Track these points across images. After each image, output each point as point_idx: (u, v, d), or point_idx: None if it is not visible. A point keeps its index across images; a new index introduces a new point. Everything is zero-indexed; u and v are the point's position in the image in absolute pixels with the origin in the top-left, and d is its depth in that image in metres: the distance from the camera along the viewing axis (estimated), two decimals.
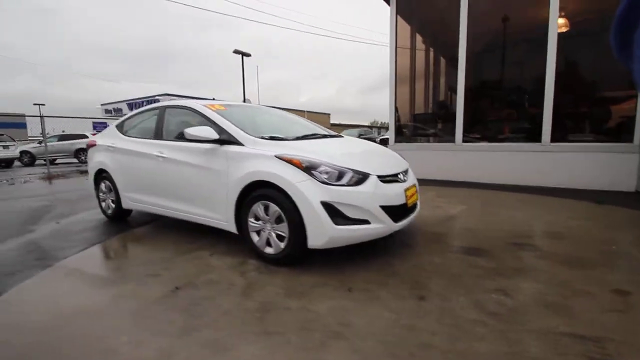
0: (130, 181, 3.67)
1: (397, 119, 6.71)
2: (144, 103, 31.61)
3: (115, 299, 2.13)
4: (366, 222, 2.37)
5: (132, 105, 32.63)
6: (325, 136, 3.32)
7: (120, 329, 1.79)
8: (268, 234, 2.56)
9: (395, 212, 2.52)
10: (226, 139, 2.79)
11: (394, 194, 2.54)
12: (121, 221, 4.05)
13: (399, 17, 6.41)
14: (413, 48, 7.11)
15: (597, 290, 2.06)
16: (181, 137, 3.28)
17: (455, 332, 1.68)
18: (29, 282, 2.44)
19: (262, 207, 2.53)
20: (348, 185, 2.36)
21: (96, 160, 4.09)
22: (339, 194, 2.32)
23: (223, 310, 1.95)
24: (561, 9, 4.93)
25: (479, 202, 4.40)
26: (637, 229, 3.30)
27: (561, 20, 5.01)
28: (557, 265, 2.43)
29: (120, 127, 3.99)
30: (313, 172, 2.36)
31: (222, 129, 2.83)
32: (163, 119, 3.46)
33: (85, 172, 6.01)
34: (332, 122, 53.79)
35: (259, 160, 2.55)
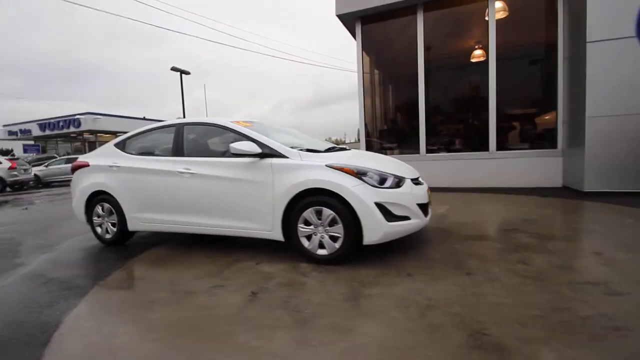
0: (141, 201, 3.54)
1: (367, 134, 7.37)
2: (61, 123, 28.10)
3: (200, 309, 2.16)
4: (407, 218, 2.78)
5: (44, 125, 28.73)
6: (342, 149, 3.69)
7: (237, 331, 1.88)
8: (320, 237, 2.80)
9: (424, 208, 2.98)
10: (268, 153, 2.98)
11: (422, 193, 3.01)
12: (119, 245, 3.82)
13: (363, 52, 7.16)
14: (373, 74, 7.95)
15: (583, 254, 2.75)
16: (212, 153, 3.38)
17: (511, 292, 2.16)
18: (83, 307, 2.30)
19: (313, 213, 2.78)
20: (391, 187, 2.76)
21: (90, 182, 3.82)
22: (387, 195, 2.70)
23: (317, 303, 2.15)
24: (499, 36, 6.12)
25: (457, 202, 5.15)
26: (581, 212, 4.29)
27: (503, 46, 6.21)
28: (546, 241, 3.12)
29: (121, 146, 3.82)
30: (363, 177, 2.71)
31: (262, 143, 3.02)
32: (182, 136, 3.47)
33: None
34: None
35: (310, 170, 2.81)
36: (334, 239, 2.76)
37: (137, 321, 2.07)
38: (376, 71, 8.12)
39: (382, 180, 2.75)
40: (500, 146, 6.33)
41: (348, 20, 7.13)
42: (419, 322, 1.86)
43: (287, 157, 2.94)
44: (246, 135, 3.14)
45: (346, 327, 1.86)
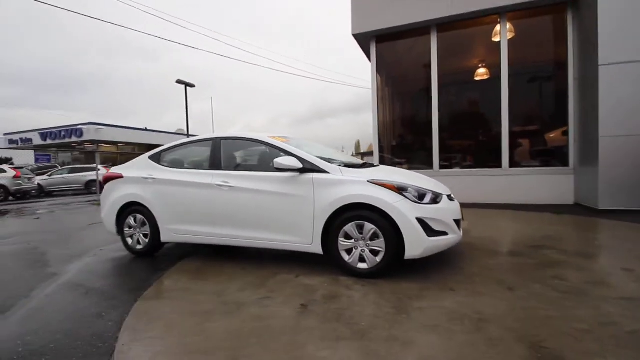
0: (176, 213, 3.61)
1: (380, 150, 7.52)
2: (62, 133, 28.11)
3: (256, 320, 2.21)
4: (446, 233, 2.87)
5: (45, 135, 28.75)
6: (372, 165, 3.80)
7: (302, 341, 1.94)
8: (361, 250, 2.87)
9: (458, 224, 3.07)
10: (308, 168, 3.08)
11: (457, 209, 3.11)
12: (149, 257, 3.85)
13: (377, 70, 7.39)
14: (385, 91, 8.17)
15: (613, 270, 2.85)
16: (250, 167, 3.48)
17: (557, 306, 2.24)
18: (135, 317, 2.34)
19: (355, 227, 2.86)
20: (430, 203, 2.86)
21: (124, 193, 3.89)
22: (427, 211, 2.80)
23: (369, 315, 2.21)
24: (511, 57, 6.36)
25: (473, 218, 5.25)
26: (600, 229, 4.40)
27: (515, 66, 6.44)
28: (574, 257, 3.22)
29: (156, 159, 3.91)
30: (404, 193, 2.81)
31: (303, 159, 3.12)
32: (219, 150, 3.56)
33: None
34: None
35: (353, 185, 2.90)
36: (374, 253, 2.84)
37: (200, 331, 2.12)
38: (388, 88, 8.33)
39: (421, 196, 2.85)
40: (513, 163, 6.50)
41: (363, 39, 7.37)
42: (478, 335, 1.93)
43: (328, 173, 3.04)
44: (285, 151, 3.24)
45: (406, 339, 1.92)
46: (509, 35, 6.41)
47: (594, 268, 2.95)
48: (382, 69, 7.52)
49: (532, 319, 2.10)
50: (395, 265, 2.85)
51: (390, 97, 8.12)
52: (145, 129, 33.41)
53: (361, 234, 2.86)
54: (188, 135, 25.01)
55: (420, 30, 6.89)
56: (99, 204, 10.16)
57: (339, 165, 3.13)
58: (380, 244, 2.80)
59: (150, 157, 3.96)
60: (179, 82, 22.87)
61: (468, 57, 7.15)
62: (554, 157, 6.46)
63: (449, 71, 7.03)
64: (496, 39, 6.55)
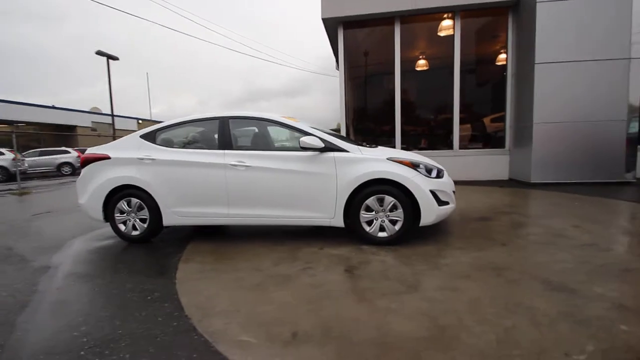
0: (182, 195, 3.47)
1: (347, 133, 7.88)
2: None
3: (315, 287, 2.39)
4: (448, 203, 3.34)
5: None
6: (376, 145, 4.09)
7: (370, 298, 2.19)
8: (381, 221, 3.19)
9: (454, 195, 3.59)
10: (327, 147, 3.25)
11: (452, 183, 3.62)
12: (144, 243, 3.65)
13: (344, 59, 7.64)
14: (352, 79, 8.49)
15: (566, 226, 3.65)
16: (264, 146, 3.52)
17: (542, 253, 2.86)
18: (190, 295, 2.31)
19: (376, 200, 3.16)
20: (437, 177, 3.29)
21: (114, 175, 3.57)
22: (437, 184, 3.22)
23: (411, 273, 2.56)
24: (462, 50, 7.18)
25: None
26: (540, 197, 5.42)
27: (466, 59, 7.27)
28: (532, 219, 4.01)
29: (150, 138, 3.65)
30: (418, 169, 3.19)
31: (323, 138, 3.27)
32: (228, 130, 3.49)
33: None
34: None
35: (374, 162, 3.18)
36: (393, 222, 3.19)
37: (268, 301, 2.22)
38: (351, 73, 8.66)
39: (429, 171, 3.27)
40: (461, 145, 7.45)
41: (331, 24, 7.53)
42: (502, 279, 2.42)
43: (348, 152, 3.26)
44: (303, 130, 3.35)
45: (452, 287, 2.31)
46: (448, 32, 7.20)
47: (551, 225, 3.74)
48: (348, 55, 7.79)
49: (531, 264, 2.67)
50: (409, 232, 3.24)
51: (354, 82, 8.48)
52: (53, 107, 28.74)
53: (381, 206, 3.17)
54: (112, 114, 22.34)
55: (385, 20, 7.31)
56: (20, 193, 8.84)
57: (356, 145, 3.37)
58: (398, 214, 3.15)
59: (143, 137, 3.68)
60: (100, 53, 20.18)
61: (426, 48, 7.82)
62: (493, 140, 7.58)
63: (409, 60, 7.63)
64: (445, 33, 7.29)
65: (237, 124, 3.58)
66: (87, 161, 3.72)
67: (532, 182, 6.34)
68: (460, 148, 7.44)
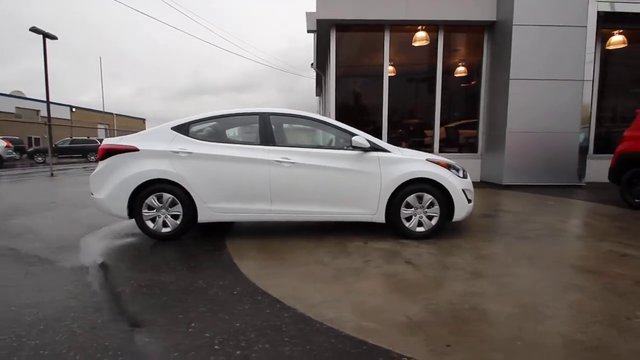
0: (221, 190, 3.40)
1: None
2: None
3: (389, 277, 2.57)
4: (471, 201, 3.74)
5: None
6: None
7: (444, 285, 2.44)
8: (419, 217, 3.47)
9: None
10: (372, 147, 3.44)
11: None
12: (174, 240, 3.49)
13: (330, 54, 7.85)
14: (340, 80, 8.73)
15: (554, 221, 4.29)
16: (308, 144, 3.59)
17: (556, 244, 3.38)
18: (281, 287, 2.34)
19: (416, 198, 3.43)
20: (464, 177, 3.67)
21: (144, 169, 3.36)
22: (466, 183, 3.60)
23: (463, 262, 2.86)
24: (444, 62, 7.82)
25: None
26: (517, 198, 6.16)
27: (447, 69, 7.92)
28: (525, 215, 4.62)
29: (184, 130, 3.49)
30: (451, 169, 3.53)
31: (368, 139, 3.45)
32: (270, 126, 3.49)
33: None
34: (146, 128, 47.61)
35: (414, 163, 3.44)
36: (429, 218, 3.48)
37: (356, 290, 2.34)
38: (340, 73, 8.89)
39: (459, 171, 3.63)
40: (440, 149, 8.12)
41: (324, 25, 7.68)
42: (539, 266, 2.83)
43: (390, 152, 3.48)
44: (348, 131, 3.50)
45: (510, 273, 2.65)
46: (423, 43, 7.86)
47: (544, 221, 4.35)
48: (339, 56, 8.01)
49: (552, 252, 3.15)
50: (442, 228, 3.57)
51: (342, 83, 8.71)
52: None
53: (420, 203, 3.45)
54: (48, 99, 19.92)
55: (376, 26, 7.67)
56: None
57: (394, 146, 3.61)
58: (435, 211, 3.46)
59: (176, 129, 3.51)
60: (35, 30, 17.84)
61: (413, 56, 8.35)
62: (468, 145, 8.38)
63: (396, 66, 8.08)
64: (419, 43, 7.85)
65: (278, 121, 3.59)
66: (109, 152, 3.44)
67: (503, 184, 7.18)
68: (440, 152, 8.09)
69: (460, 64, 8.25)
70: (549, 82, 6.89)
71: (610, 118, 8.30)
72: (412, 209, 3.47)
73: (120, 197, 3.39)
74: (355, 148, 3.37)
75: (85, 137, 22.27)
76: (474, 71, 8.13)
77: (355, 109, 8.47)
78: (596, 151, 7.85)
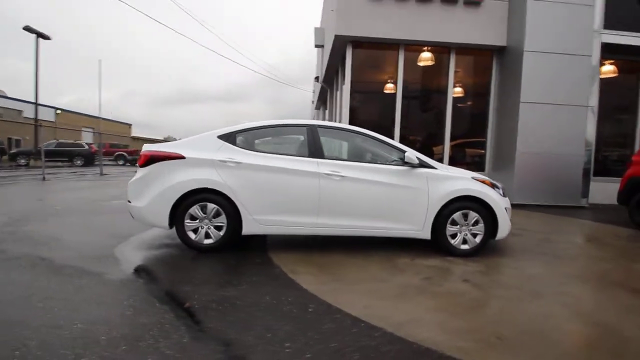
0: (270, 202, 3.33)
1: None
2: None
3: (459, 296, 2.56)
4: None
5: None
6: None
7: (513, 302, 2.45)
8: (464, 235, 3.49)
9: None
10: (420, 163, 3.46)
11: None
12: (212, 253, 3.35)
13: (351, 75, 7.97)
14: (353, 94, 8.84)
15: (573, 240, 4.42)
16: (355, 157, 3.59)
17: (594, 263, 3.47)
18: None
19: (461, 215, 3.46)
20: (504, 196, 3.74)
21: (190, 177, 3.26)
22: (506, 202, 3.66)
23: (516, 280, 2.89)
24: (455, 82, 8.07)
25: None
26: (529, 216, 6.32)
27: (457, 89, 8.16)
28: (550, 234, 4.74)
29: (231, 140, 3.42)
30: (495, 188, 3.59)
31: (416, 155, 3.47)
32: (318, 138, 3.47)
33: None
34: (132, 134, 46.52)
35: (460, 180, 3.49)
36: (474, 236, 3.51)
37: (430, 308, 2.31)
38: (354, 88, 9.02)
39: (499, 190, 3.70)
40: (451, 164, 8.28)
41: (341, 41, 7.81)
42: (590, 285, 2.89)
43: (436, 169, 3.52)
44: (395, 146, 3.53)
45: (566, 291, 2.69)
46: (425, 63, 8.13)
47: (569, 240, 4.48)
48: (353, 72, 8.14)
49: (593, 272, 3.23)
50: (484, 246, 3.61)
51: (355, 98, 8.82)
52: None
53: (465, 220, 3.48)
54: (37, 100, 19.23)
55: (392, 45, 7.87)
56: None
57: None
58: (480, 229, 3.50)
59: (222, 137, 3.43)
60: (29, 30, 17.35)
61: (425, 76, 8.58)
62: (474, 164, 8.59)
63: (409, 84, 8.27)
64: (424, 63, 8.10)
65: (326, 134, 3.58)
66: (152, 159, 3.32)
67: (513, 202, 7.35)
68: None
69: (470, 85, 8.53)
70: (556, 106, 7.21)
71: (604, 142, 8.74)
72: (458, 226, 3.49)
73: (162, 205, 3.26)
74: (405, 164, 3.39)
75: (72, 141, 21.46)
76: (483, 92, 8.42)
77: (368, 124, 8.55)
78: (595, 174, 8.21)
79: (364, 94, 8.63)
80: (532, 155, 7.24)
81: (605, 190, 7.80)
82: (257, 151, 3.45)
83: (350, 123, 8.13)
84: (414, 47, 8.00)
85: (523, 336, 1.99)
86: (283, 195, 3.35)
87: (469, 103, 8.66)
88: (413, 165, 3.44)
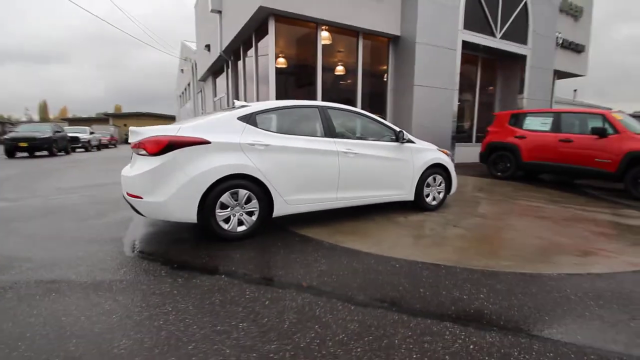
0: (297, 182, 3.47)
1: None
2: None
3: (460, 242, 3.50)
4: None
5: None
6: None
7: (501, 233, 3.58)
8: (433, 194, 4.53)
9: None
10: (408, 139, 4.22)
11: None
12: (242, 240, 3.26)
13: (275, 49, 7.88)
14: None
15: (519, 199, 6.25)
16: (360, 135, 4.07)
17: (543, 205, 5.14)
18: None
19: (433, 179, 4.47)
20: (452, 161, 4.96)
21: (220, 164, 3.04)
22: (454, 166, 4.89)
23: (486, 220, 4.11)
24: (362, 63, 9.13)
25: None
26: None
27: (365, 70, 9.22)
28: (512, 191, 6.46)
29: (252, 121, 3.30)
30: (448, 156, 4.74)
31: (405, 132, 4.20)
32: (330, 119, 3.74)
33: None
34: None
35: (432, 152, 4.46)
36: (439, 193, 4.60)
37: (453, 247, 3.16)
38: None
39: (450, 157, 4.88)
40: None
41: (263, 13, 7.59)
42: (535, 214, 4.40)
43: (415, 143, 4.36)
44: (388, 125, 4.15)
45: (510, 223, 4.05)
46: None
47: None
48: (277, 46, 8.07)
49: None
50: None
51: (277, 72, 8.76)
52: None
53: (435, 182, 4.52)
54: None
55: (310, 23, 8.18)
56: None
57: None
58: (442, 188, 4.62)
59: (242, 119, 3.26)
60: None
61: (340, 55, 9.26)
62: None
63: (327, 62, 8.85)
64: (325, 42, 8.99)
65: (334, 114, 3.86)
66: (171, 146, 2.89)
67: None
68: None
69: (373, 66, 9.80)
70: (437, 89, 9.27)
71: (459, 116, 11.76)
72: (430, 188, 4.50)
73: (189, 197, 2.95)
74: (397, 140, 4.10)
75: None
76: (381, 76, 9.85)
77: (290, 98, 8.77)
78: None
79: (282, 70, 8.74)
80: (422, 127, 9.18)
81: (463, 153, 10.72)
82: (279, 132, 3.46)
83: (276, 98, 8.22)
84: (329, 28, 8.54)
85: (516, 249, 3.09)
86: (310, 174, 3.53)
87: (374, 83, 9.98)
88: (403, 142, 4.17)
